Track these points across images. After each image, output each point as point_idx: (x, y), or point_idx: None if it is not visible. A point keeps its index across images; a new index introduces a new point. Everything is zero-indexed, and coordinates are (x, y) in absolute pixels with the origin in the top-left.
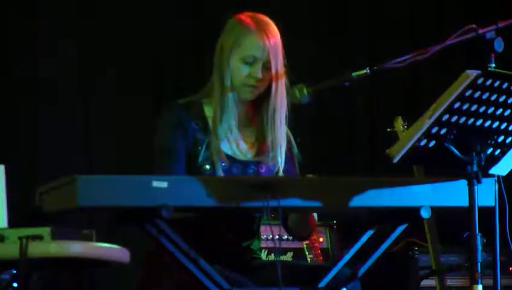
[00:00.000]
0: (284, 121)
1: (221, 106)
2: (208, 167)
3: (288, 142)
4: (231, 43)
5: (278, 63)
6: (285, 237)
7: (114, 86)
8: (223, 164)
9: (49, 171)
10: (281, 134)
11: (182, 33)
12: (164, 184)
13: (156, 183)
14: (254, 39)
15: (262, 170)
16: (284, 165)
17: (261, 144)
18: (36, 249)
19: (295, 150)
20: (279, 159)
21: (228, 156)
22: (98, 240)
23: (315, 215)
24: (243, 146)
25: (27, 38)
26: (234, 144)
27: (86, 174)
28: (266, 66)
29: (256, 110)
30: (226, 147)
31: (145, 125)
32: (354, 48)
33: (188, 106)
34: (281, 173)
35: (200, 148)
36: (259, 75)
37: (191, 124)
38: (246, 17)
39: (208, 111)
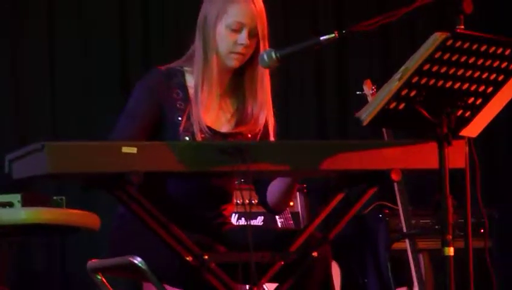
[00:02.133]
0: (267, 89)
1: (204, 75)
2: (187, 138)
3: (269, 110)
4: (216, 10)
5: (264, 29)
6: (256, 201)
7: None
8: (203, 135)
9: (16, 137)
10: (262, 102)
11: None
12: (134, 150)
13: (125, 149)
14: (241, 6)
15: None
16: (263, 134)
17: (242, 114)
18: (6, 216)
19: (272, 119)
20: (261, 129)
21: (209, 127)
22: (69, 207)
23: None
24: (224, 116)
25: None
26: (216, 114)
27: (52, 140)
28: (252, 33)
29: (237, 79)
30: (206, 118)
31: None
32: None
33: (169, 74)
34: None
35: (180, 118)
36: (247, 41)
37: (172, 92)
38: None
39: (189, 80)
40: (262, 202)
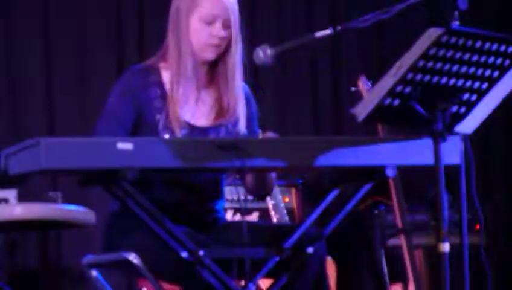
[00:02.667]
0: (240, 79)
1: (179, 70)
2: (167, 136)
3: (246, 99)
4: (188, 4)
5: (237, 20)
6: (251, 197)
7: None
8: (183, 132)
9: (11, 133)
10: (239, 92)
11: None
12: (129, 146)
13: (121, 145)
14: None
15: (222, 134)
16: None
17: (220, 106)
18: (2, 212)
19: (253, 106)
20: (240, 118)
21: (187, 123)
22: (64, 202)
23: (273, 174)
24: (202, 110)
25: None
26: (194, 108)
27: (48, 136)
28: (225, 24)
29: (212, 72)
30: (184, 114)
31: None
32: (316, 8)
33: (145, 72)
34: (242, 131)
35: (158, 116)
36: (222, 33)
37: (149, 90)
38: None
39: (166, 76)
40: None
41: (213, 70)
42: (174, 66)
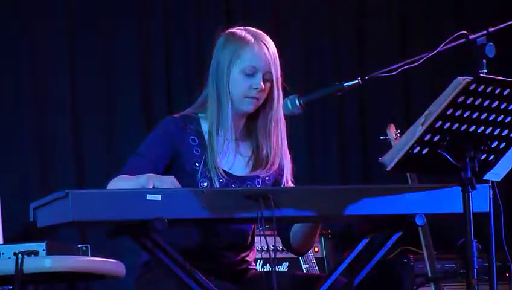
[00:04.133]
0: (283, 133)
1: (218, 120)
2: (205, 184)
3: (284, 153)
4: (229, 56)
5: (278, 73)
6: (280, 247)
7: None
8: (220, 180)
9: (40, 185)
10: (278, 145)
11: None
12: (158, 197)
13: (150, 197)
14: (254, 50)
15: (258, 185)
16: (282, 178)
17: (258, 157)
18: (32, 265)
19: (288, 160)
20: (276, 171)
21: (225, 172)
22: (93, 254)
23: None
24: (240, 160)
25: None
26: (231, 158)
27: (76, 188)
28: (265, 77)
29: (252, 123)
30: (223, 163)
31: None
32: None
33: (185, 121)
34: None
35: (197, 164)
36: (262, 86)
37: (188, 139)
38: (239, 30)
39: (204, 126)
40: (286, 244)
41: (252, 122)
42: (213, 116)
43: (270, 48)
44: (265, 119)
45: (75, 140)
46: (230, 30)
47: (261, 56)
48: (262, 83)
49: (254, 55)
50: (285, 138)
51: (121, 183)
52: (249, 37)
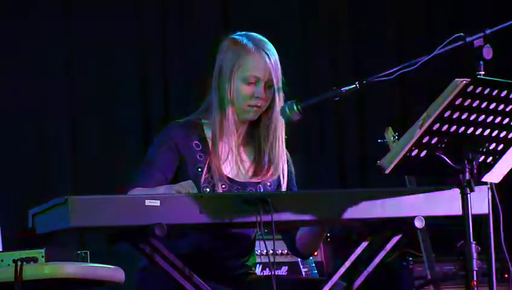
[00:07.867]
0: (283, 139)
1: (221, 127)
2: (208, 190)
3: (287, 160)
4: (231, 64)
5: (279, 81)
6: (280, 251)
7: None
8: (223, 186)
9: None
10: (279, 151)
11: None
12: (157, 203)
13: (148, 202)
14: (255, 59)
15: (260, 190)
16: (285, 183)
17: (260, 163)
18: (31, 272)
19: (291, 165)
20: (278, 177)
21: (228, 178)
22: (93, 260)
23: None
24: (243, 166)
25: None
26: (234, 164)
27: (74, 194)
28: (267, 85)
29: (254, 129)
30: (226, 169)
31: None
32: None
33: (189, 126)
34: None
35: (200, 170)
36: (263, 94)
37: (192, 144)
38: (241, 37)
39: (208, 132)
40: (291, 247)
41: (254, 128)
42: (216, 122)
43: (271, 55)
44: (267, 126)
45: (72, 145)
46: (232, 36)
47: (262, 65)
48: (264, 92)
49: (255, 65)
50: (283, 144)
51: None
52: (250, 45)
